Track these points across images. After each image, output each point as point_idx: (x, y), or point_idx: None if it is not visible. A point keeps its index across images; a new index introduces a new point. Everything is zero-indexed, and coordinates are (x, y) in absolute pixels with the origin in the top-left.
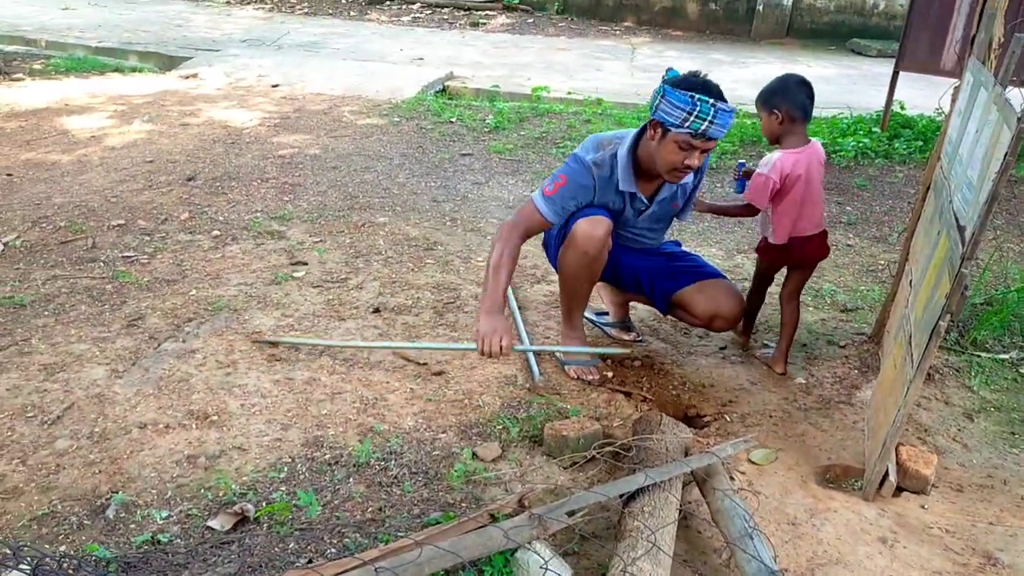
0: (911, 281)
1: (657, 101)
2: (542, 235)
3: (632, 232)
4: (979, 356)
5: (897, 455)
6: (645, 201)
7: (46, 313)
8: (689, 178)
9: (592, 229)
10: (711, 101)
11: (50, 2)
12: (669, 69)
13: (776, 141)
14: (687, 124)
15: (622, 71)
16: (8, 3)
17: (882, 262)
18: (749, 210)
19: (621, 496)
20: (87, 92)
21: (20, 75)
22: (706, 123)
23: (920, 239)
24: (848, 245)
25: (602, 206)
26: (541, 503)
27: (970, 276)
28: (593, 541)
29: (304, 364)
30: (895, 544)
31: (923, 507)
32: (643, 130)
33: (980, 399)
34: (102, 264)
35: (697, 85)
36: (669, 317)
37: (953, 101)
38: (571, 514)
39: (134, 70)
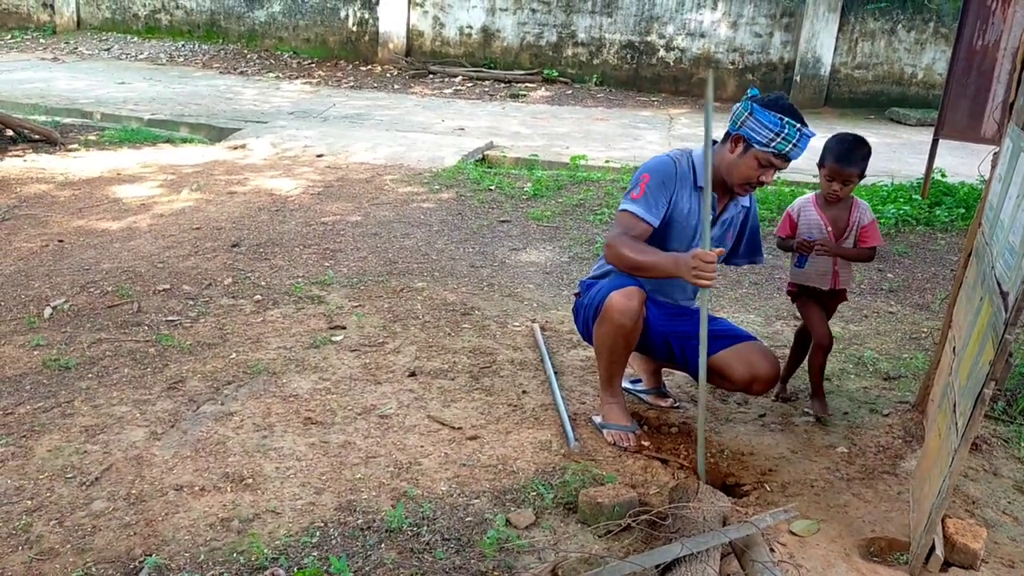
0: (954, 348)
1: (743, 117)
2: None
3: None
4: None
5: (944, 528)
6: (715, 210)
7: (90, 376)
8: (743, 213)
9: (627, 301)
10: (797, 126)
11: (107, 77)
12: (752, 87)
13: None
14: (773, 144)
15: (659, 140)
16: (67, 78)
17: (925, 329)
18: (870, 254)
19: (657, 567)
20: (138, 162)
21: (75, 145)
22: (791, 145)
23: (963, 306)
24: (890, 312)
25: (672, 204)
26: (574, 572)
27: (1014, 342)
28: None
29: (339, 428)
30: None
31: None
32: (715, 141)
33: None
34: (146, 328)
35: (786, 108)
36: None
37: (993, 167)
38: None
39: (184, 141)
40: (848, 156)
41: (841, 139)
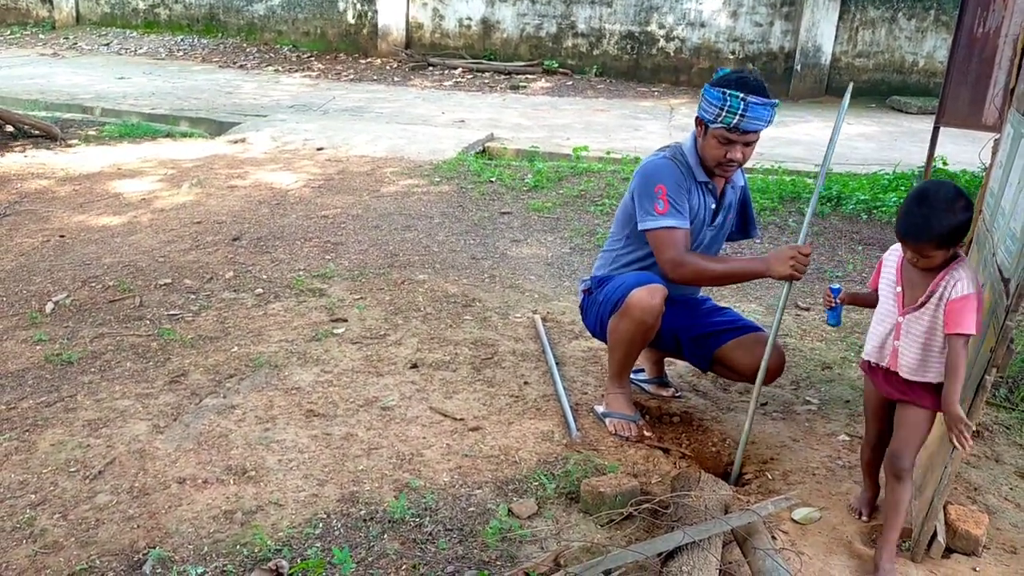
0: None
1: (700, 99)
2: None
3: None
4: None
5: (946, 515)
6: (715, 197)
7: (92, 370)
8: (736, 195)
9: (651, 298)
10: (741, 96)
11: (106, 72)
12: (719, 69)
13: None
14: (720, 119)
15: (660, 131)
16: (67, 73)
17: None
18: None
19: (659, 555)
20: (139, 157)
21: (75, 141)
22: (737, 117)
23: None
24: None
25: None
26: (577, 561)
27: (1016, 328)
28: None
29: (342, 420)
30: None
31: (975, 569)
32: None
33: None
34: (148, 322)
35: (731, 81)
36: (709, 373)
37: (993, 154)
38: (607, 573)
39: (184, 135)
40: (909, 229)
41: (907, 204)
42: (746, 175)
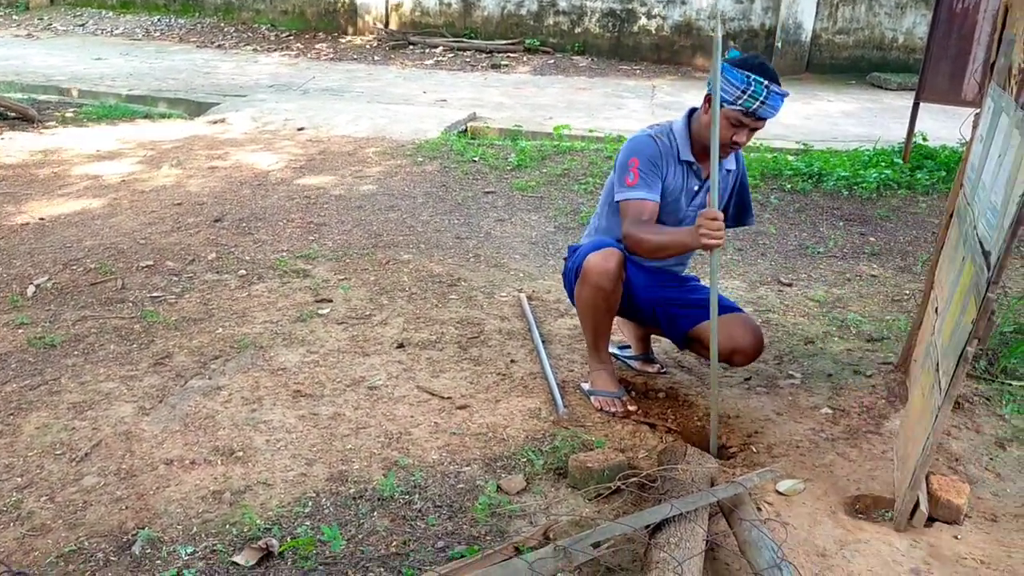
0: (937, 309)
1: None
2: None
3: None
4: (1010, 384)
5: (928, 484)
6: (700, 179)
7: (75, 353)
8: (731, 177)
9: (605, 262)
10: (765, 83)
11: (83, 53)
12: (731, 48)
13: None
14: (740, 102)
15: (643, 109)
16: (42, 54)
17: (907, 291)
18: None
19: (647, 527)
20: (117, 138)
21: (53, 123)
22: (758, 103)
23: (945, 266)
24: (873, 276)
25: (664, 181)
26: (566, 535)
27: (997, 300)
28: (619, 573)
29: (329, 400)
30: None
31: (956, 538)
32: (695, 109)
33: (1012, 427)
34: (131, 304)
35: (755, 66)
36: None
37: (974, 128)
38: (596, 546)
39: (163, 116)
40: None
41: None
42: (744, 161)
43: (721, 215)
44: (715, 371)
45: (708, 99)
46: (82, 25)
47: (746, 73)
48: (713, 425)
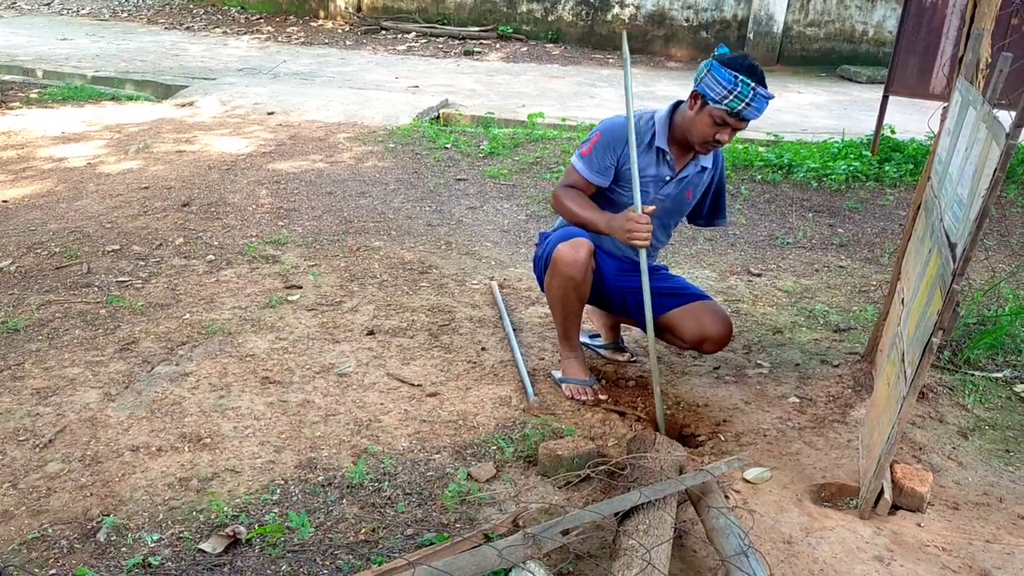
0: (903, 300)
1: (703, 74)
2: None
3: None
4: (973, 375)
5: (892, 473)
6: (672, 169)
7: (40, 338)
8: (707, 175)
9: (575, 253)
10: (752, 84)
11: (48, 33)
12: (720, 46)
13: None
14: (726, 102)
15: (615, 98)
16: (6, 33)
17: (874, 283)
18: None
19: (616, 514)
20: (83, 120)
21: (16, 104)
22: (743, 104)
23: (911, 258)
24: (840, 266)
25: (623, 164)
26: (535, 522)
27: (961, 292)
28: (588, 560)
29: (298, 386)
30: (891, 562)
31: (919, 525)
32: (681, 102)
33: (974, 417)
34: (96, 289)
35: (743, 67)
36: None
37: (942, 122)
38: (565, 533)
39: (130, 99)
40: None
41: None
42: (723, 162)
43: (647, 217)
44: (654, 355)
45: (695, 95)
46: (47, 4)
47: (734, 73)
48: (657, 403)
